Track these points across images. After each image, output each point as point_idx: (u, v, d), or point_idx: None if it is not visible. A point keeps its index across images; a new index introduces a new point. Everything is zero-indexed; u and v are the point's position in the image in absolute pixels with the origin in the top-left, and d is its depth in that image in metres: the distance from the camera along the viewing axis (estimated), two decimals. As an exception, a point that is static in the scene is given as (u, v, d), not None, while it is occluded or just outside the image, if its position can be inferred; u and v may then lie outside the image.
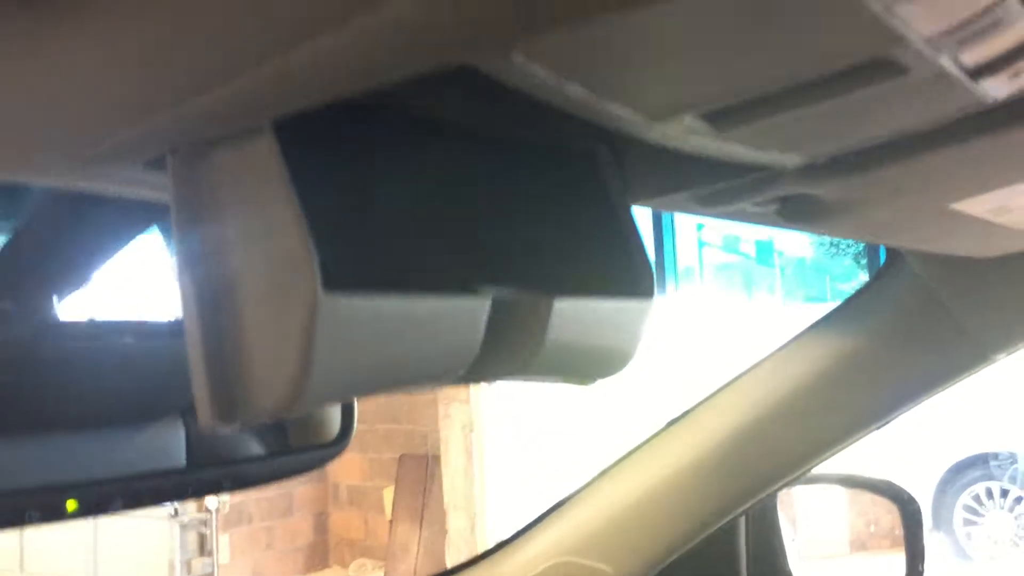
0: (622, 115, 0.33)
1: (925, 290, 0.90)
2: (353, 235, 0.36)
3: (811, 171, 0.51)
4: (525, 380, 0.43)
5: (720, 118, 0.34)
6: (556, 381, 0.46)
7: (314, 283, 0.29)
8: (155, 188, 0.34)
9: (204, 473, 0.60)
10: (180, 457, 0.64)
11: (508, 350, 0.39)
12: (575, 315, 0.41)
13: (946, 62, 0.32)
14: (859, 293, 0.95)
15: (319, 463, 0.70)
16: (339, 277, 0.29)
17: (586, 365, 0.45)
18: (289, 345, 0.29)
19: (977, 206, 0.62)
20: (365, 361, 0.32)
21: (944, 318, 0.89)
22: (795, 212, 0.60)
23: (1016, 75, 0.35)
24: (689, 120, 0.34)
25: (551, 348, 0.40)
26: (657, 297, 0.46)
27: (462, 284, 0.37)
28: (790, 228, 0.62)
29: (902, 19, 0.27)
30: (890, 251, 0.91)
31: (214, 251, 0.32)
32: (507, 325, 0.38)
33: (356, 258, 0.34)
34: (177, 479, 0.60)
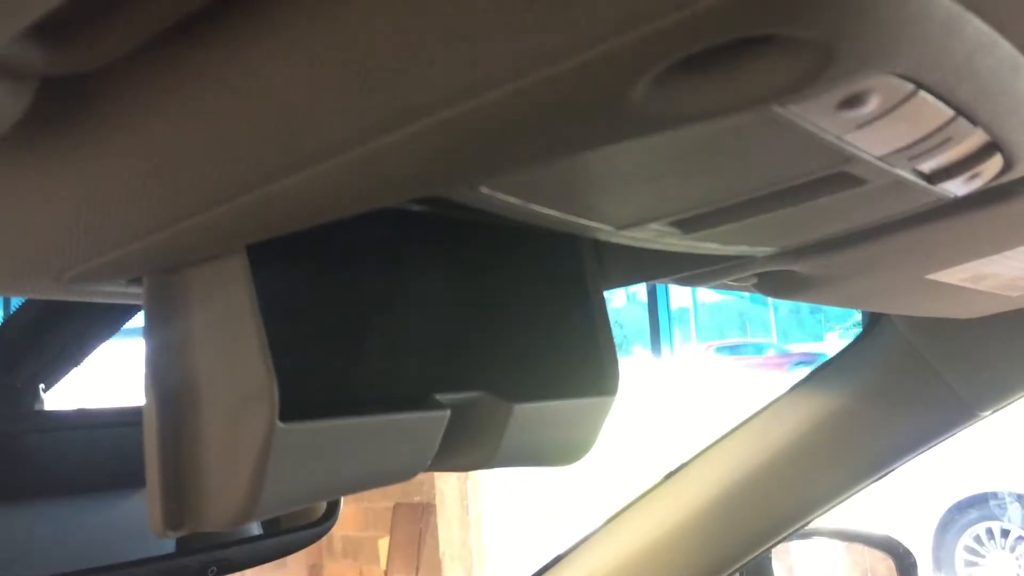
0: (589, 226, 0.33)
1: (910, 349, 0.91)
2: (313, 358, 0.37)
3: (785, 253, 0.52)
4: (486, 468, 0.43)
5: (687, 224, 0.35)
6: (514, 466, 0.46)
7: (271, 414, 0.29)
8: (138, 298, 0.35)
9: (193, 559, 0.60)
10: (170, 542, 0.64)
11: (465, 450, 0.40)
12: (535, 416, 0.41)
13: (903, 173, 0.33)
14: (845, 351, 0.96)
15: (307, 542, 0.70)
16: (296, 406, 0.30)
17: (543, 457, 0.46)
18: (243, 466, 0.30)
19: (952, 276, 0.63)
20: (319, 476, 0.33)
21: (930, 376, 0.90)
22: (773, 286, 0.61)
23: (973, 177, 0.36)
24: (656, 226, 0.34)
25: (508, 446, 0.40)
26: (618, 394, 0.46)
27: (422, 399, 0.37)
28: (771, 297, 0.63)
29: (854, 144, 0.28)
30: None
31: (179, 366, 0.32)
32: (464, 429, 0.38)
33: (314, 384, 0.35)
34: (167, 566, 0.60)
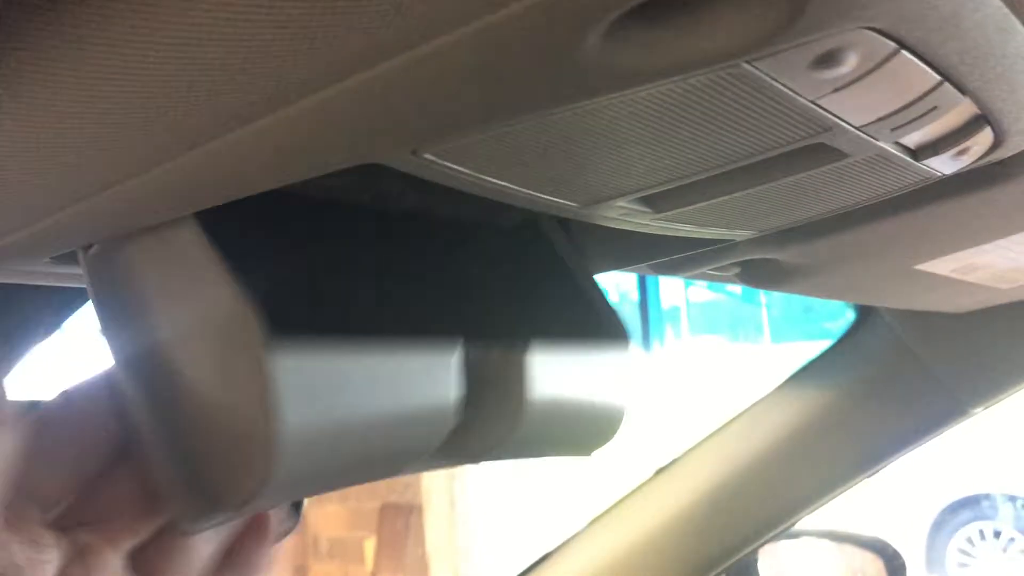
0: (550, 202, 0.31)
1: (900, 344, 0.89)
2: (298, 298, 0.34)
3: (767, 239, 0.50)
4: (514, 456, 0.40)
5: (656, 202, 0.33)
6: (547, 453, 0.43)
7: (261, 334, 0.27)
8: (63, 279, 0.33)
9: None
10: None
11: (488, 413, 0.37)
12: (552, 366, 0.38)
13: (886, 146, 0.31)
14: (834, 347, 0.94)
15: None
16: (285, 325, 0.27)
17: (575, 428, 0.43)
18: (252, 407, 0.27)
19: (941, 266, 0.61)
20: (334, 422, 0.30)
21: (920, 372, 0.88)
22: (756, 276, 0.59)
23: (961, 153, 0.34)
24: (624, 203, 0.32)
25: (534, 410, 0.37)
26: (633, 342, 0.44)
27: (428, 332, 0.35)
28: (755, 289, 0.61)
29: (831, 110, 0.26)
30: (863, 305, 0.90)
31: (151, 341, 0.30)
32: (482, 383, 0.36)
33: (303, 312, 0.32)
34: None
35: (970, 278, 0.66)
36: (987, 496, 4.32)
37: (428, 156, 0.25)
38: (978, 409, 0.90)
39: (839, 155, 0.30)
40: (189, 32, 0.20)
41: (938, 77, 0.26)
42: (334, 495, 4.02)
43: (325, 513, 4.08)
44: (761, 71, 0.23)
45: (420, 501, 3.97)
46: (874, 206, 0.42)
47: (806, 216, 0.39)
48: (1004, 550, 4.29)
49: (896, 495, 4.25)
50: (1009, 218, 0.51)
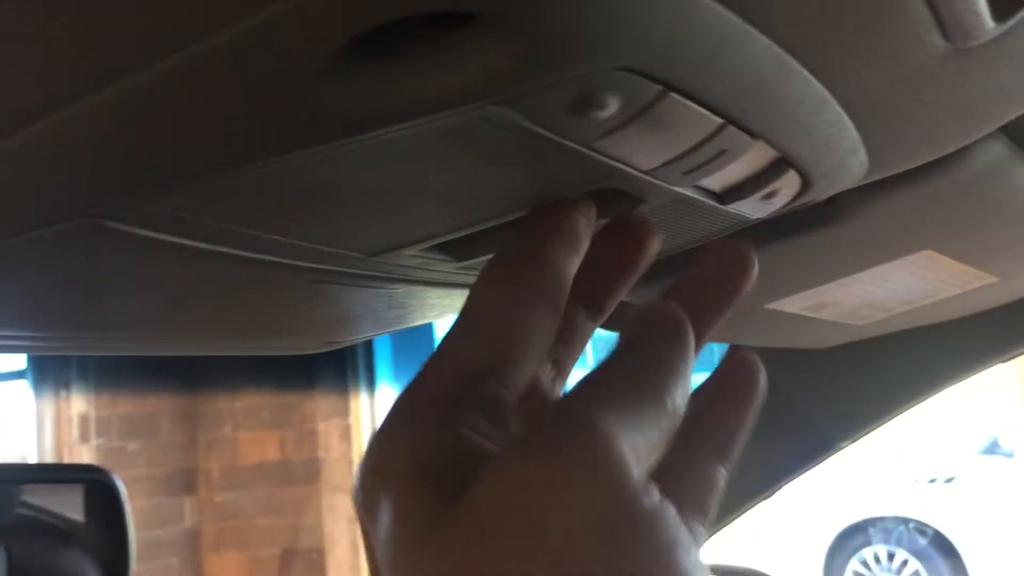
0: (336, 253, 0.29)
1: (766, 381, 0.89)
2: None
3: None
4: None
5: (455, 249, 0.31)
6: None
7: None
8: None
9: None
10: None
11: None
12: None
13: (684, 190, 0.30)
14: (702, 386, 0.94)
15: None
16: None
17: None
18: None
19: (791, 305, 0.61)
20: None
21: (787, 409, 0.89)
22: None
23: (770, 196, 0.33)
24: (416, 252, 0.30)
25: None
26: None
27: None
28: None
29: (608, 154, 0.25)
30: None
31: None
32: None
33: None
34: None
35: (823, 315, 0.66)
36: (880, 519, 4.45)
37: (163, 209, 0.22)
38: (846, 443, 0.91)
39: (635, 200, 0.29)
40: None
41: (719, 120, 0.25)
42: (233, 542, 3.87)
43: (224, 560, 3.91)
44: (514, 114, 0.21)
45: (322, 545, 3.85)
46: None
47: None
48: (898, 572, 4.42)
49: (790, 523, 4.34)
50: (843, 258, 0.52)
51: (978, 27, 0.25)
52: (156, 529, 3.63)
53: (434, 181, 0.25)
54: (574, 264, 0.27)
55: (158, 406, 3.67)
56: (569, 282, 0.26)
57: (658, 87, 0.22)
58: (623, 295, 0.31)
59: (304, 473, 3.79)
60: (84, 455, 3.44)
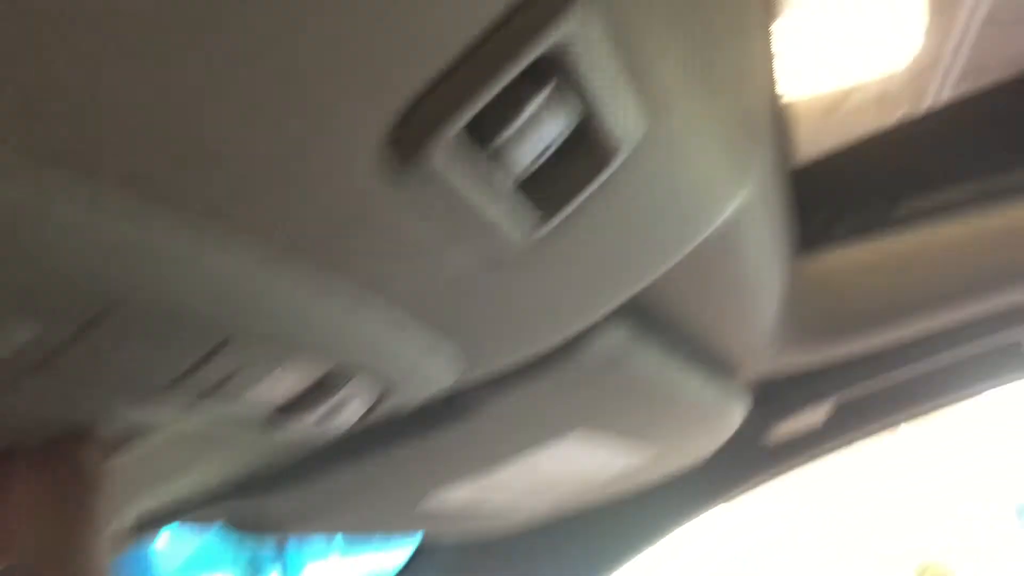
0: None
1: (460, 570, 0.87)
2: None
3: (253, 488, 0.45)
4: None
5: None
6: None
7: None
8: None
9: None
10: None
11: None
12: None
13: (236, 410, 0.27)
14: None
15: None
16: None
17: None
18: None
19: (449, 504, 0.59)
20: None
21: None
22: (245, 521, 0.53)
23: (335, 410, 0.31)
24: None
25: None
26: None
27: None
28: (250, 536, 0.55)
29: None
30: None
31: None
32: None
33: None
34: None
35: (491, 506, 0.65)
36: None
37: None
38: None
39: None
40: None
41: (216, 338, 0.23)
42: None
43: None
44: None
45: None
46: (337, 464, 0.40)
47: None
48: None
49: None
50: (482, 451, 0.50)
51: (520, 232, 0.24)
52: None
53: None
54: None
55: None
56: None
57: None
58: None
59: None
60: None
